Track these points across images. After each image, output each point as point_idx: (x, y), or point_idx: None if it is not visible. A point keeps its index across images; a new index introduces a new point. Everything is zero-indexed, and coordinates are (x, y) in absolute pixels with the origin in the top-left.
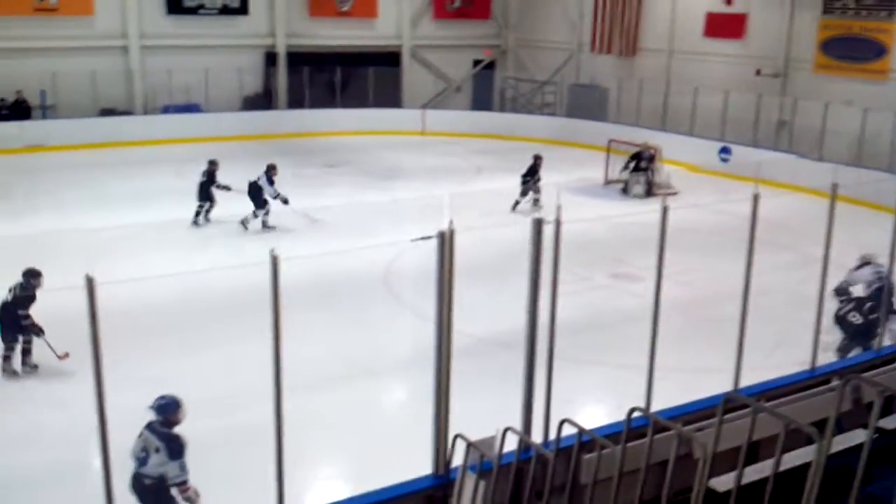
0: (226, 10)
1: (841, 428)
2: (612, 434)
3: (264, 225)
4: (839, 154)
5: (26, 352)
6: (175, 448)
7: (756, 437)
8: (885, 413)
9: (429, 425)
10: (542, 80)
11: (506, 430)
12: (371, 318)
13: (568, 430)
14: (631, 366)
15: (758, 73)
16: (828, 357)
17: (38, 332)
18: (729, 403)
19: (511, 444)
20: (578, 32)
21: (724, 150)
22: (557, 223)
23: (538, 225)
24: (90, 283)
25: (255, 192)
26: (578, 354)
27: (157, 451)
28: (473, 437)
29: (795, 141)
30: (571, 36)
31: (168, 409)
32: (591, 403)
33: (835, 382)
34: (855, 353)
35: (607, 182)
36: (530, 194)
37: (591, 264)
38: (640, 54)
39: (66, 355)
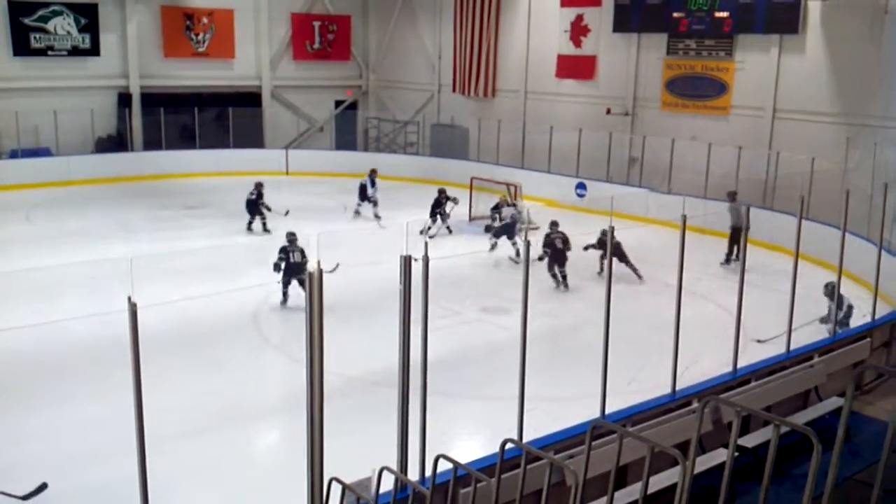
0: (76, 52)
1: (703, 448)
2: (487, 467)
3: (376, 216)
4: (687, 187)
5: None
6: None
7: (624, 461)
8: (743, 432)
9: (303, 470)
10: (404, 119)
11: (381, 469)
12: (240, 363)
13: (444, 466)
14: (503, 397)
15: (608, 111)
16: None
17: None
18: (596, 430)
19: (388, 483)
20: (438, 73)
21: (580, 186)
22: (426, 259)
23: (407, 262)
24: None
25: (362, 191)
26: (452, 389)
27: None
28: (349, 479)
29: (646, 175)
30: (431, 77)
31: None
32: (465, 437)
33: (695, 404)
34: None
35: (472, 218)
36: (439, 222)
37: (460, 299)
38: (497, 95)
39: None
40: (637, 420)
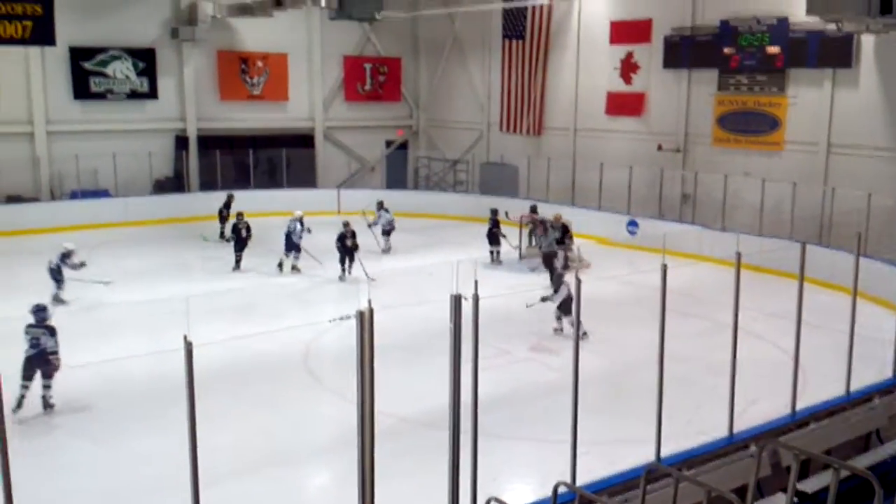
0: (134, 95)
1: (761, 493)
2: None
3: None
4: (741, 224)
5: None
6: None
7: None
8: (802, 476)
9: None
10: (454, 158)
11: None
12: (291, 402)
13: None
14: (555, 440)
15: (659, 147)
16: None
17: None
18: (651, 474)
19: None
20: (487, 113)
21: (632, 223)
22: (476, 299)
23: (457, 301)
24: None
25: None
26: (502, 430)
27: (43, 335)
28: None
29: (698, 212)
30: (480, 116)
31: (45, 312)
32: (516, 480)
33: (752, 448)
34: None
35: (522, 256)
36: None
37: (510, 338)
38: (546, 133)
39: None
40: (693, 463)
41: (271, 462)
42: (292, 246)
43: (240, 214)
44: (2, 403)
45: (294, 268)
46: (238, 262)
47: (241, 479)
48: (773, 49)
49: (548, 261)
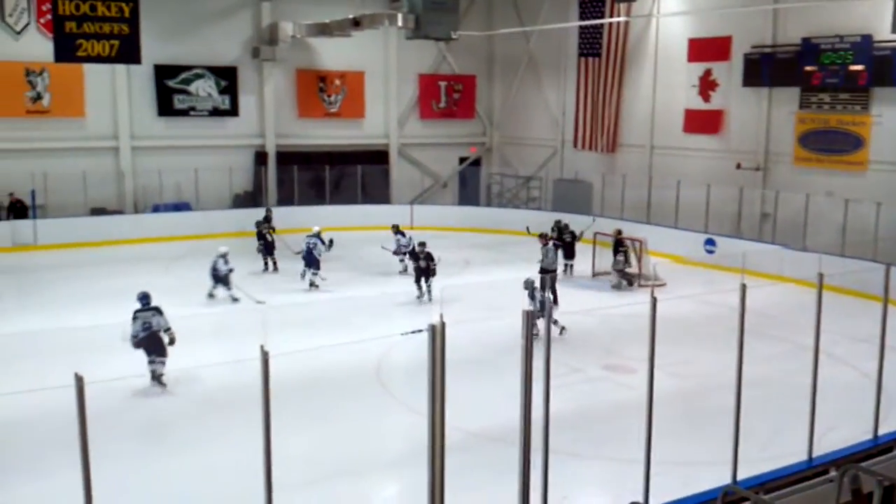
0: (216, 112)
1: None
2: None
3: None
4: (823, 244)
5: None
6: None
7: None
8: (885, 503)
9: None
10: (527, 175)
11: None
12: (363, 414)
13: None
14: (627, 459)
15: (738, 166)
16: None
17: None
18: (728, 497)
19: None
20: (561, 130)
21: (709, 242)
22: (549, 314)
23: (529, 317)
24: (79, 382)
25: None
26: (574, 448)
27: (153, 316)
28: None
29: (779, 232)
30: (554, 133)
31: (149, 298)
32: (587, 498)
33: (833, 473)
34: None
35: (595, 274)
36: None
37: (582, 356)
38: (621, 150)
39: None
40: (771, 488)
41: (342, 472)
42: (313, 261)
43: (259, 221)
44: (84, 408)
45: (312, 284)
46: (272, 264)
47: (313, 488)
48: (857, 67)
49: (544, 279)
